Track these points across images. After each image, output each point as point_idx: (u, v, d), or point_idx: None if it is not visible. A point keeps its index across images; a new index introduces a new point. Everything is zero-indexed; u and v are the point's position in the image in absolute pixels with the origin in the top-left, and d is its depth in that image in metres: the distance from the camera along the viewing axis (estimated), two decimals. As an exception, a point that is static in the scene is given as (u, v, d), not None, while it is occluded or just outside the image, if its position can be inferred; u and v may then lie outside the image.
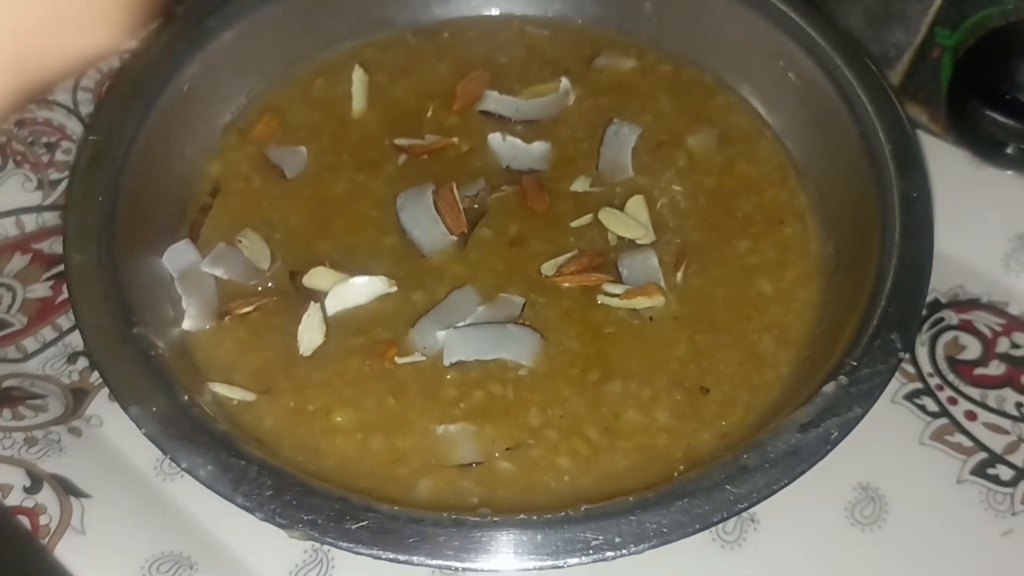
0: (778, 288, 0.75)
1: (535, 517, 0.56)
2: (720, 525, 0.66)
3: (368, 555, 0.55)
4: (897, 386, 0.76)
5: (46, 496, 0.69)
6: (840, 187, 0.77)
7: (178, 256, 0.75)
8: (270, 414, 0.68)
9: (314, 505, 0.56)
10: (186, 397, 0.60)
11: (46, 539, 0.67)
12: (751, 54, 0.84)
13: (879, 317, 0.64)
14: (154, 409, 0.59)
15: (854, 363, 0.62)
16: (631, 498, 0.57)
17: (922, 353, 0.78)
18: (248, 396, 0.69)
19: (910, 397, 0.75)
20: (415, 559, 0.54)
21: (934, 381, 0.76)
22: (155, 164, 0.76)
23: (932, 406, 0.75)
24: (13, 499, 0.69)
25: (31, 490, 0.69)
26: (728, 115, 0.85)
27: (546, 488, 0.65)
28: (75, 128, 0.88)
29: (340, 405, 0.68)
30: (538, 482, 0.65)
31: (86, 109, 0.89)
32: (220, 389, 0.69)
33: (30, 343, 0.79)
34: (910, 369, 0.77)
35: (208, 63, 0.81)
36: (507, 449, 0.67)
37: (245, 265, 0.75)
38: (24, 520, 0.68)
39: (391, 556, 0.54)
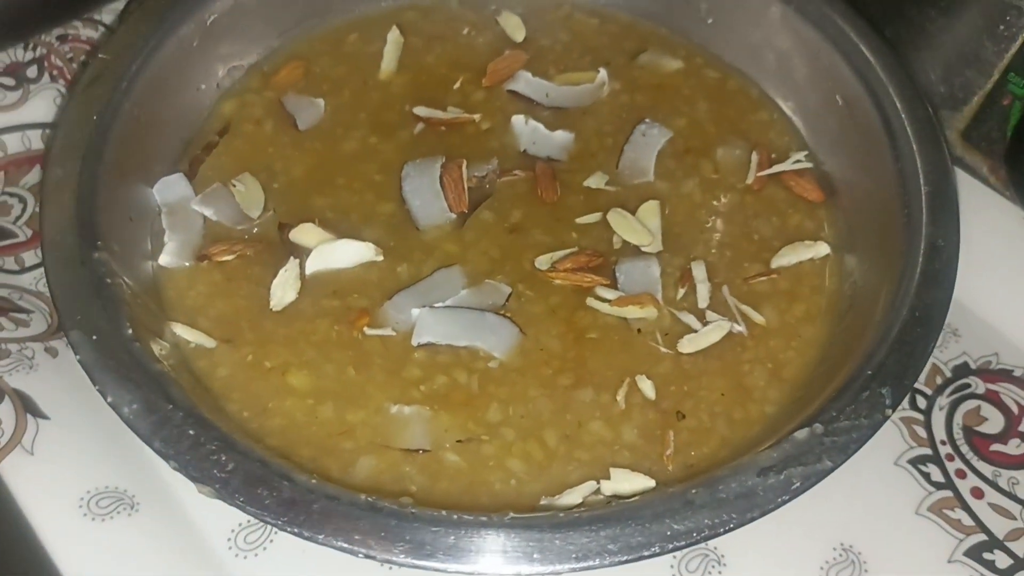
0: (783, 321, 0.70)
1: (455, 516, 0.52)
2: (683, 562, 0.62)
3: (274, 525, 0.52)
4: (903, 448, 0.70)
5: (4, 410, 0.68)
6: (869, 224, 0.72)
7: (169, 189, 0.73)
8: (226, 364, 0.66)
9: (230, 464, 0.53)
10: (130, 331, 0.58)
11: (-8, 453, 0.66)
12: (800, 69, 0.79)
13: (875, 367, 0.59)
14: (94, 337, 0.57)
15: (835, 412, 0.57)
16: (561, 514, 0.53)
17: (938, 418, 0.72)
18: (208, 342, 0.67)
19: (915, 462, 0.70)
20: (319, 536, 0.51)
21: (945, 450, 0.71)
22: (165, 93, 0.74)
23: (937, 475, 0.69)
24: (-32, 407, 0.68)
25: (-10, 401, 0.68)
26: (766, 131, 0.80)
27: (490, 489, 0.62)
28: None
29: (298, 366, 0.66)
30: (483, 481, 0.62)
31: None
32: (181, 331, 0.67)
33: (29, 257, 0.78)
34: (921, 433, 0.71)
35: (240, 1, 0.79)
36: (458, 441, 0.63)
37: (235, 210, 0.73)
38: (-26, 430, 0.67)
39: (295, 530, 0.51)
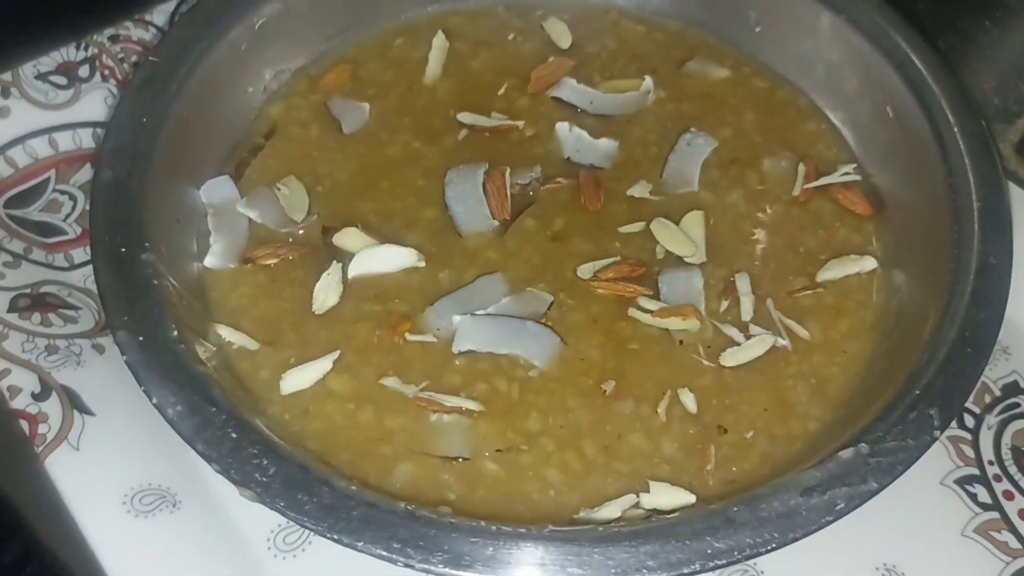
0: (827, 336, 0.69)
1: (494, 527, 0.52)
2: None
3: (313, 530, 0.52)
4: (949, 468, 0.69)
5: (51, 406, 0.69)
6: (918, 239, 0.71)
7: (216, 191, 0.74)
8: (268, 365, 0.67)
9: (271, 468, 0.54)
10: (176, 332, 0.59)
11: (40, 448, 0.67)
12: (851, 81, 0.78)
13: (922, 388, 0.58)
14: (141, 339, 0.58)
15: (881, 433, 0.56)
16: (600, 528, 0.52)
17: (986, 437, 0.71)
18: (251, 344, 0.67)
19: (962, 482, 0.69)
20: (358, 543, 0.51)
21: (993, 470, 0.69)
22: (213, 96, 0.75)
23: (984, 496, 0.68)
24: (18, 403, 0.69)
25: (39, 397, 0.69)
26: (814, 143, 0.79)
27: (528, 498, 0.61)
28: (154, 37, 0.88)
29: (339, 370, 0.66)
30: (521, 490, 0.62)
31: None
32: (225, 332, 0.67)
33: (78, 254, 0.79)
34: (968, 452, 0.70)
35: (289, 5, 0.79)
36: (497, 450, 0.63)
37: (280, 212, 0.74)
38: (24, 425, 0.68)
39: (334, 536, 0.51)
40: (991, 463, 0.69)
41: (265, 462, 0.54)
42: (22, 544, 0.68)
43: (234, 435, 0.55)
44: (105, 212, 0.63)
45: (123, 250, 0.62)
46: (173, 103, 0.71)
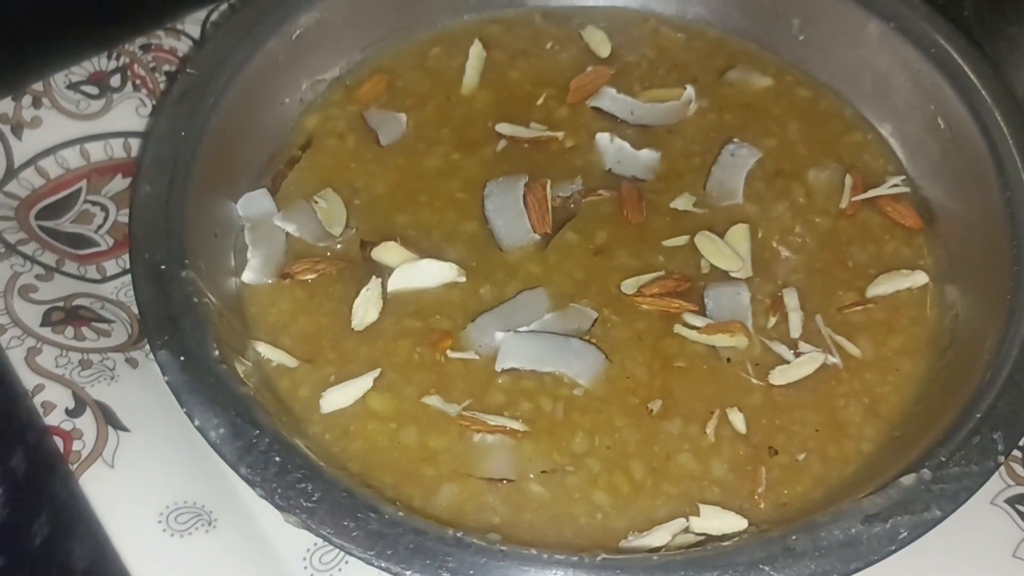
0: (879, 353, 0.67)
1: (545, 555, 0.50)
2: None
3: (360, 558, 0.51)
4: (1000, 487, 0.67)
5: (85, 422, 0.68)
6: (973, 254, 0.69)
7: (253, 204, 0.73)
8: (308, 383, 0.65)
9: (317, 492, 0.53)
10: (217, 352, 0.58)
11: (75, 465, 0.66)
12: (900, 91, 0.76)
13: (985, 410, 0.56)
14: (182, 358, 0.57)
15: (943, 458, 0.54)
16: (655, 557, 0.51)
17: (1038, 455, 0.69)
18: (290, 361, 0.66)
19: (1013, 502, 0.67)
20: (407, 573, 0.50)
21: (1045, 490, 0.67)
22: (250, 108, 0.74)
23: (1037, 517, 0.66)
24: (53, 419, 0.68)
25: (73, 413, 0.68)
26: (861, 154, 0.77)
27: (575, 522, 0.60)
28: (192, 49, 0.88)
29: (380, 389, 0.65)
30: (568, 514, 0.60)
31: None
32: (264, 349, 0.66)
33: (111, 266, 0.78)
34: (1019, 471, 0.68)
35: (325, 14, 0.79)
36: (543, 472, 0.62)
37: (317, 226, 0.73)
38: (58, 442, 0.67)
39: (383, 565, 0.50)
40: (1043, 482, 0.67)
41: (310, 487, 0.53)
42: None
43: (278, 459, 0.54)
44: (145, 228, 0.63)
45: (163, 267, 0.61)
46: (211, 116, 0.70)
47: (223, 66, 0.72)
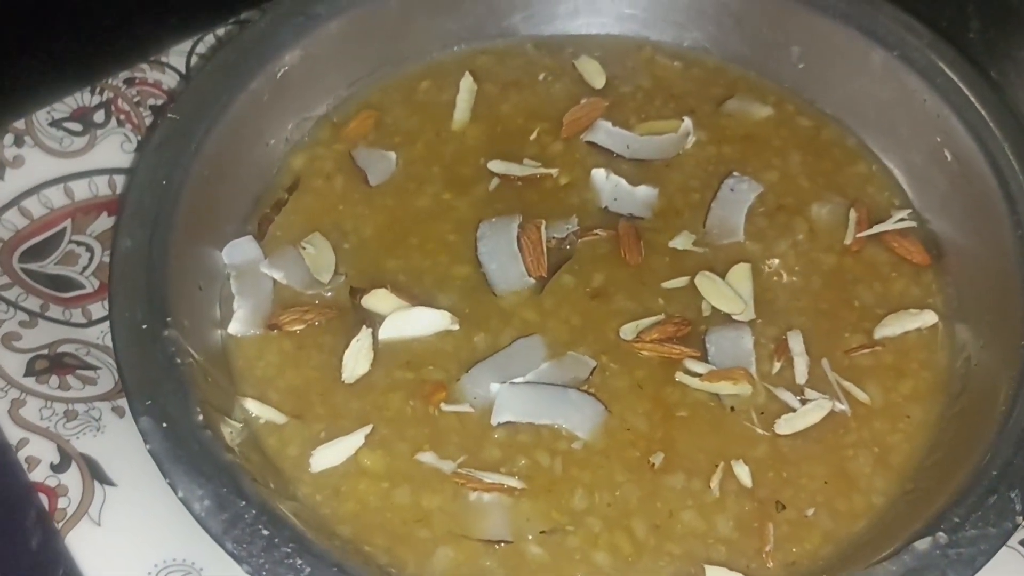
0: (888, 399, 0.65)
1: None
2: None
3: (352, 639, 0.49)
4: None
5: (71, 477, 0.66)
6: (984, 292, 0.67)
7: (238, 252, 0.71)
8: (297, 440, 0.63)
9: (307, 568, 0.50)
10: (201, 417, 0.56)
11: (60, 523, 0.64)
12: (905, 122, 0.74)
13: (1000, 467, 0.54)
14: (164, 425, 0.55)
15: (958, 519, 0.52)
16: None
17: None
18: (279, 417, 0.64)
19: (1030, 544, 0.64)
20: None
21: (1061, 531, 0.65)
22: (234, 151, 0.72)
23: (1052, 558, 0.64)
24: (38, 474, 0.66)
25: (58, 468, 0.67)
26: (865, 186, 0.75)
27: (576, 585, 0.58)
28: (178, 86, 0.85)
29: (372, 445, 0.63)
30: (569, 576, 0.58)
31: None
32: (251, 406, 0.64)
33: (96, 309, 0.76)
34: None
35: (310, 51, 0.76)
36: (542, 532, 0.60)
37: (305, 273, 0.70)
38: (43, 499, 0.65)
39: (375, 646, 0.48)
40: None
41: (299, 562, 0.51)
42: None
43: (266, 532, 0.52)
44: (125, 285, 0.60)
45: (144, 327, 0.59)
46: (193, 162, 0.68)
47: (205, 109, 0.70)
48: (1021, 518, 0.53)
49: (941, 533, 0.52)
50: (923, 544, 0.52)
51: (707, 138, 0.78)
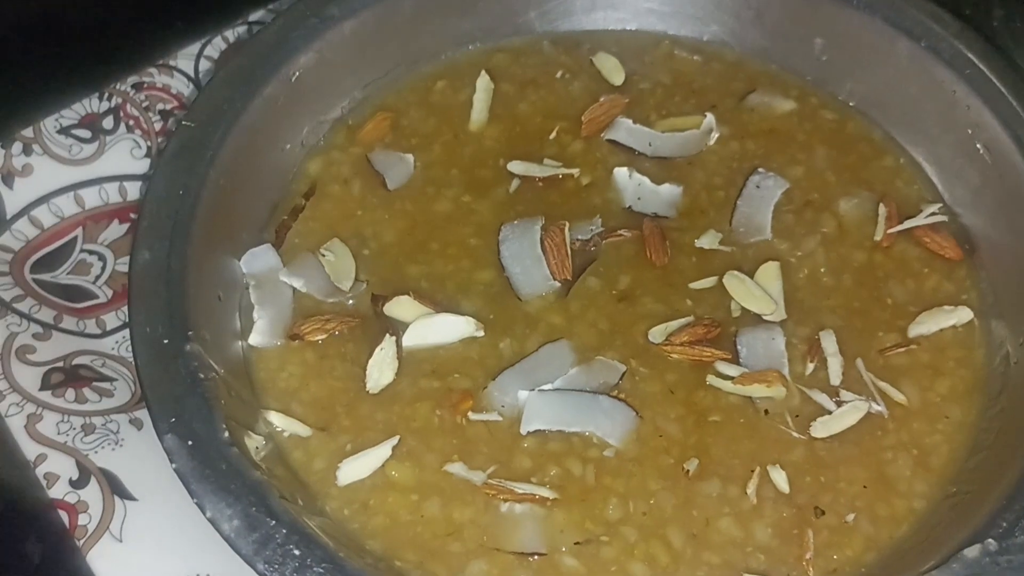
0: (926, 399, 0.63)
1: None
2: None
3: (389, 661, 0.48)
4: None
5: (91, 493, 0.65)
6: (1020, 289, 0.65)
7: (257, 261, 0.69)
8: (323, 454, 0.62)
9: (340, 589, 0.49)
10: (227, 434, 0.54)
11: (81, 541, 0.63)
12: (933, 115, 0.72)
13: (1049, 469, 0.52)
14: (190, 443, 0.53)
15: (1006, 524, 0.50)
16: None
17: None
18: (303, 430, 0.63)
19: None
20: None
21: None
22: (250, 157, 0.71)
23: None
24: (57, 491, 0.65)
25: (77, 484, 0.65)
26: (894, 180, 0.74)
27: (613, 598, 0.56)
28: (191, 95, 0.84)
29: (399, 457, 0.61)
30: (605, 588, 0.57)
31: (206, 78, 0.85)
32: (276, 419, 0.63)
33: (111, 319, 0.75)
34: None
35: (324, 54, 0.75)
36: (576, 543, 0.58)
37: (325, 281, 0.69)
38: (63, 516, 0.64)
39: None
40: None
41: (332, 583, 0.49)
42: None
43: (297, 552, 0.50)
44: (145, 300, 0.59)
45: (166, 342, 0.58)
46: (209, 170, 0.66)
47: (220, 116, 0.68)
48: (1073, 522, 0.51)
49: (991, 540, 0.50)
50: (972, 552, 0.50)
51: (730, 133, 0.76)
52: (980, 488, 0.56)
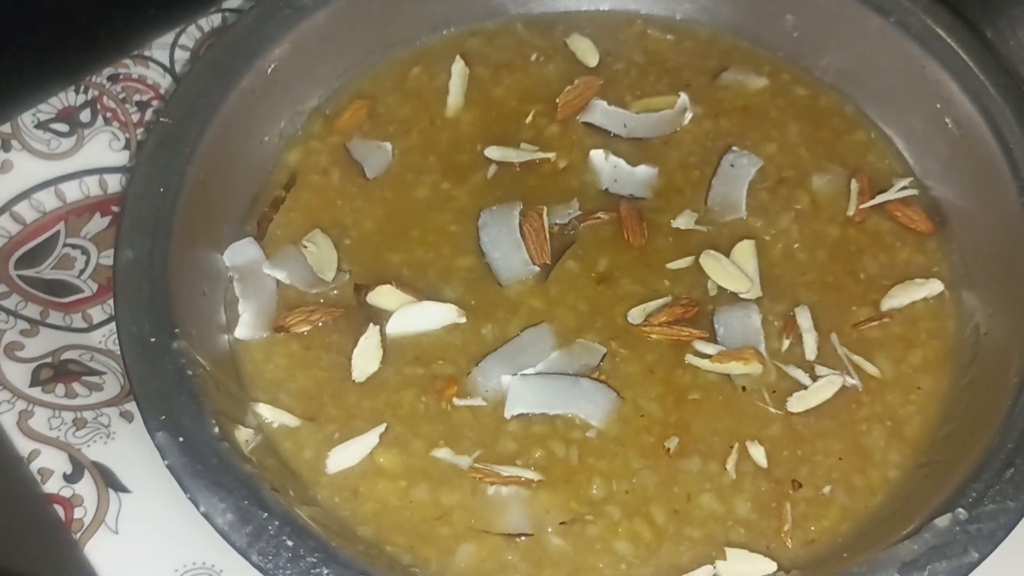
0: (899, 371, 0.65)
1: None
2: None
3: (383, 645, 0.49)
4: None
5: (85, 487, 0.66)
6: (990, 259, 0.67)
7: (240, 254, 0.70)
8: (312, 443, 0.63)
9: (333, 577, 0.50)
10: (217, 429, 0.55)
11: (78, 534, 0.64)
12: (903, 89, 0.73)
13: (1016, 439, 0.54)
14: (181, 439, 0.55)
15: (976, 494, 0.52)
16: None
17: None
18: (292, 420, 0.64)
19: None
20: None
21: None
22: (229, 151, 0.71)
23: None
24: (51, 486, 0.66)
25: (71, 478, 0.66)
26: (866, 154, 0.75)
27: (599, 575, 0.58)
28: (169, 87, 0.84)
29: (387, 444, 0.63)
30: (591, 566, 0.59)
31: (182, 69, 0.84)
32: (264, 411, 0.64)
33: (96, 312, 0.76)
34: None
35: (299, 44, 0.75)
36: (561, 523, 0.60)
37: (308, 272, 0.70)
38: (59, 510, 0.65)
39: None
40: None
41: (326, 571, 0.51)
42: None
43: (290, 543, 0.52)
44: (130, 299, 0.60)
45: (152, 340, 0.58)
46: (188, 166, 0.67)
47: (197, 111, 0.69)
48: (1040, 490, 0.53)
49: (960, 509, 0.52)
50: (943, 521, 0.52)
51: (704, 112, 0.77)
52: (951, 457, 0.57)
